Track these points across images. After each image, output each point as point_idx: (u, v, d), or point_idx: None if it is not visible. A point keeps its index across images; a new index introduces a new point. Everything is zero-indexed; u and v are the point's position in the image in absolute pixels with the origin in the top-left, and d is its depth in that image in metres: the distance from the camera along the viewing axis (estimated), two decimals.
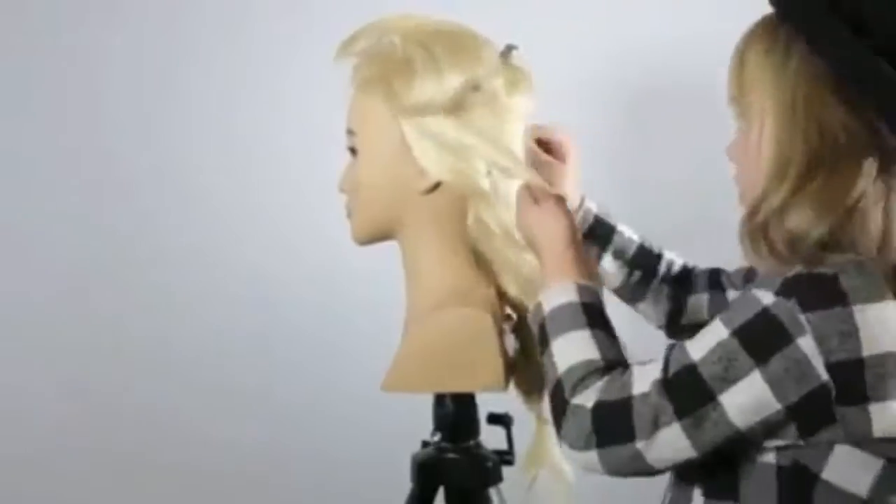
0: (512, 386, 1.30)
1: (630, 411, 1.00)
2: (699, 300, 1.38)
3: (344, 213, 1.33)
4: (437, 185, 1.24)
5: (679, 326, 1.39)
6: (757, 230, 1.03)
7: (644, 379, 1.01)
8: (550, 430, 1.28)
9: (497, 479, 1.33)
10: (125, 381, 2.11)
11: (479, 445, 1.33)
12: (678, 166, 1.93)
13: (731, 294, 1.35)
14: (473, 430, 1.33)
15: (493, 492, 1.33)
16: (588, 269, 1.16)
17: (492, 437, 1.36)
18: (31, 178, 2.10)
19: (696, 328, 1.18)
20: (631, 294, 1.40)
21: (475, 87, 1.21)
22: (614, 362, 1.05)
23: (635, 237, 1.40)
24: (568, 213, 1.18)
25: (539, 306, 1.12)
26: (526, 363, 1.29)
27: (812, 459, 1.00)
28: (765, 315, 0.97)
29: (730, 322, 0.99)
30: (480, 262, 1.28)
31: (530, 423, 1.36)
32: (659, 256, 1.40)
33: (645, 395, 1.00)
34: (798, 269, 0.99)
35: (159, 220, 2.09)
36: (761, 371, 0.97)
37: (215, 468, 2.10)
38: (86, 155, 2.09)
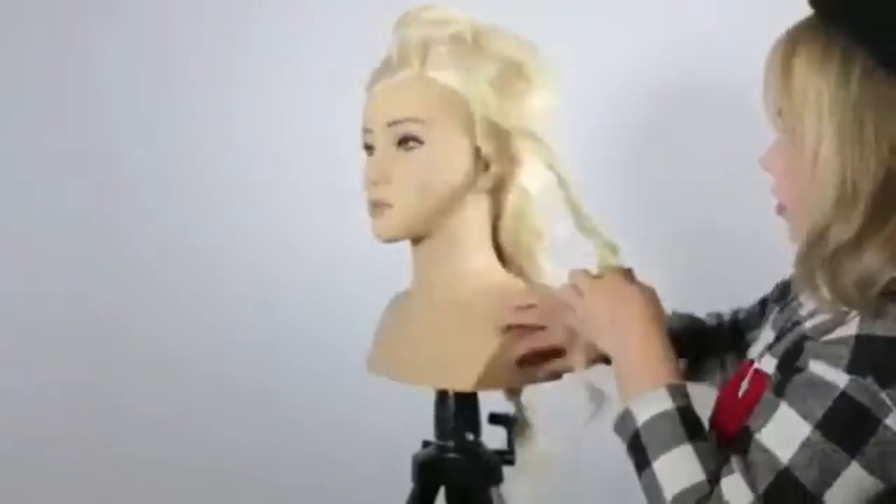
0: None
1: None
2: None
3: (366, 207, 1.26)
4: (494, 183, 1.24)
5: None
6: (820, 263, 0.96)
7: (739, 498, 0.95)
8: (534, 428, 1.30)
9: (498, 479, 1.33)
10: (125, 381, 2.11)
11: (480, 445, 1.33)
12: (701, 167, 1.92)
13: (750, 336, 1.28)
14: (474, 429, 1.33)
15: (493, 492, 1.33)
16: (672, 351, 1.07)
17: (492, 438, 1.36)
18: (32, 179, 2.10)
19: None
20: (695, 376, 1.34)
21: (550, 93, 1.23)
22: (716, 474, 0.98)
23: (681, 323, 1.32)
24: (647, 288, 1.11)
25: (629, 415, 1.03)
26: None
27: None
28: (845, 401, 0.92)
29: (809, 415, 0.94)
30: (509, 258, 1.30)
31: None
32: (706, 332, 1.32)
33: None
34: (855, 324, 0.94)
35: (160, 221, 2.10)
36: (858, 461, 0.93)
37: (215, 468, 2.10)
38: (86, 155, 2.09)
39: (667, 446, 1.00)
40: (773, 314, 1.15)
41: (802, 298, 1.07)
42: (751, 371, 1.07)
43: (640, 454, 1.02)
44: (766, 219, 1.08)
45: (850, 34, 0.94)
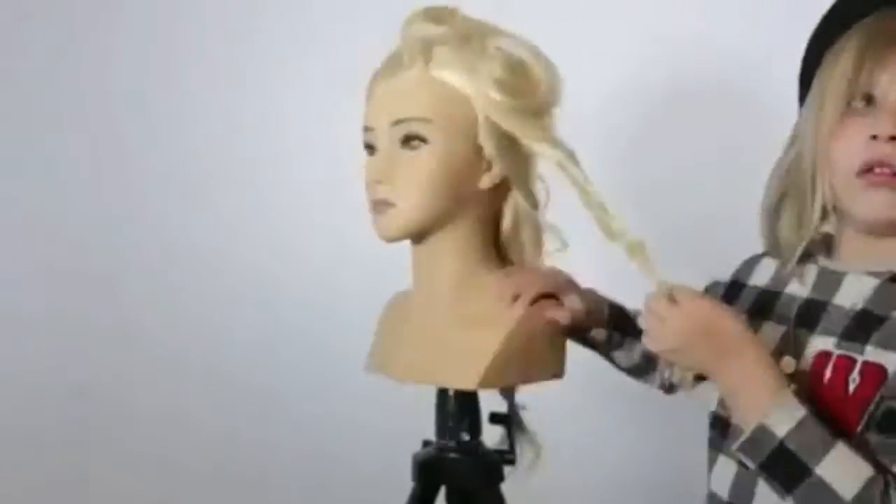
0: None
1: None
2: None
3: (368, 207, 1.26)
4: (496, 183, 1.24)
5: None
6: None
7: None
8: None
9: (498, 478, 1.33)
10: (125, 381, 2.11)
11: (480, 445, 1.33)
12: (698, 167, 1.92)
13: None
14: (474, 429, 1.33)
15: (493, 491, 1.33)
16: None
17: (491, 438, 1.37)
18: (34, 179, 2.11)
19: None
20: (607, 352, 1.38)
21: (553, 93, 1.23)
22: (878, 465, 1.00)
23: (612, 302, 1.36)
24: (721, 302, 1.11)
25: (764, 430, 1.02)
26: None
27: None
28: None
29: None
30: (510, 257, 1.30)
31: (532, 424, 1.36)
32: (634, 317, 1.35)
33: None
34: None
35: (161, 221, 2.10)
36: None
37: (215, 467, 2.10)
38: (89, 155, 2.10)
39: (825, 449, 1.00)
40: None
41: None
42: (859, 365, 1.05)
43: (790, 466, 1.00)
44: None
45: None
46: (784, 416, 1.01)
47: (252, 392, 2.08)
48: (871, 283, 1.08)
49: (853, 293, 1.09)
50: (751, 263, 1.25)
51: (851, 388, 1.05)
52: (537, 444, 1.35)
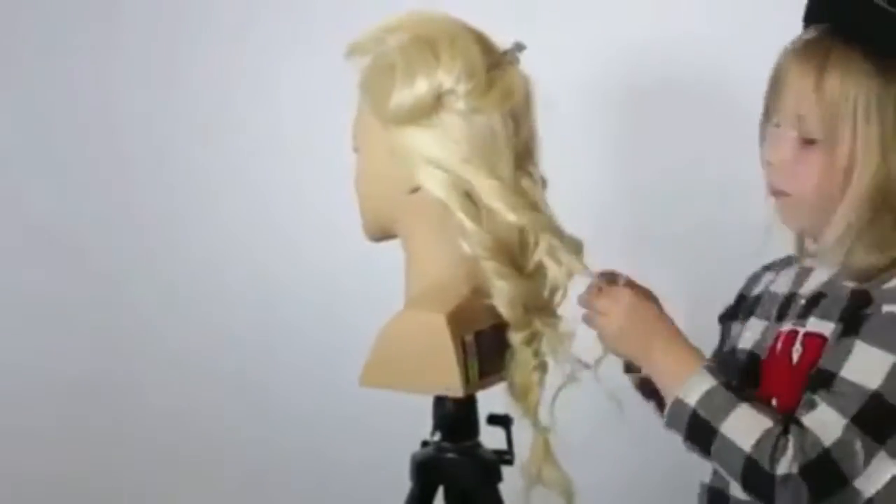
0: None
1: (836, 462, 1.05)
2: None
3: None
4: (419, 188, 1.24)
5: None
6: (856, 241, 1.10)
7: (828, 426, 1.05)
8: (548, 443, 1.30)
9: (496, 478, 1.33)
10: (124, 381, 2.11)
11: (478, 445, 1.33)
12: (679, 169, 1.92)
13: None
14: (473, 429, 1.33)
15: (492, 491, 1.33)
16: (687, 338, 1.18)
17: (492, 438, 1.36)
18: (36, 179, 2.11)
19: None
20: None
21: (439, 96, 1.21)
22: (780, 419, 1.09)
23: None
24: (641, 291, 1.20)
25: (680, 402, 1.13)
26: (516, 369, 1.29)
27: None
28: None
29: (892, 347, 1.05)
30: (465, 260, 1.27)
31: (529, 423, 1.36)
32: None
33: (840, 440, 1.04)
34: None
35: (160, 221, 2.10)
36: None
37: (215, 467, 2.10)
38: (90, 156, 2.10)
39: (727, 409, 1.09)
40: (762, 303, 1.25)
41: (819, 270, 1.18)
42: (800, 337, 1.15)
43: (702, 430, 1.10)
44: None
45: (884, 54, 1.04)
46: (695, 388, 1.11)
47: (251, 391, 2.08)
48: (829, 272, 1.16)
49: (814, 283, 1.18)
50: (754, 278, 1.33)
51: (795, 357, 1.14)
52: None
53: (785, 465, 1.05)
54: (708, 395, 1.11)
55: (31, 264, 2.12)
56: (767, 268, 1.32)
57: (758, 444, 1.06)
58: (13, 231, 2.12)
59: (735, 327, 1.30)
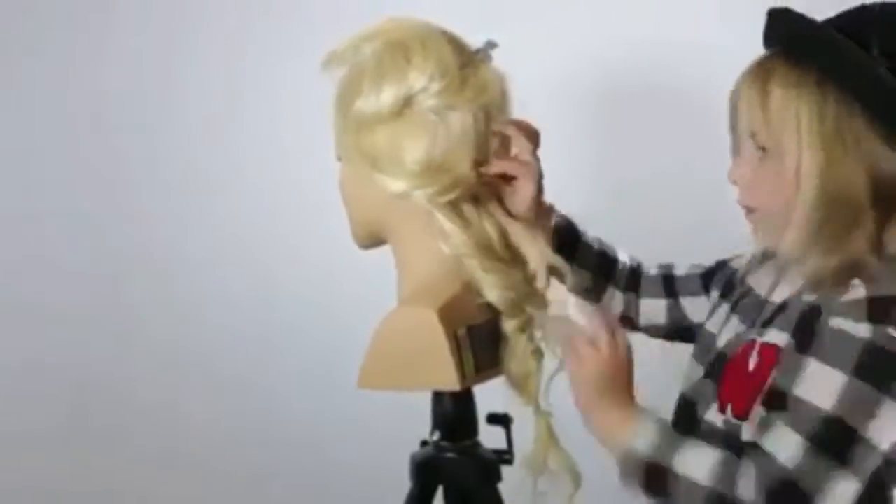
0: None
1: (796, 483, 1.05)
2: (656, 305, 1.43)
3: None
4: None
5: (632, 327, 1.44)
6: (811, 251, 1.11)
7: (784, 447, 1.06)
8: (552, 427, 1.30)
9: (496, 478, 1.33)
10: (127, 380, 2.12)
11: (477, 445, 1.33)
12: (658, 169, 1.93)
13: (687, 301, 1.41)
14: (472, 429, 1.33)
15: (491, 491, 1.33)
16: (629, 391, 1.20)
17: (492, 438, 1.37)
18: (37, 179, 2.11)
19: (649, 329, 1.40)
20: (584, 296, 1.39)
21: (407, 102, 1.22)
22: (731, 448, 1.11)
23: (594, 244, 1.42)
24: (622, 342, 1.20)
25: (632, 452, 1.14)
26: (513, 357, 1.29)
27: None
28: (874, 349, 1.06)
29: (843, 364, 1.06)
30: (453, 258, 1.28)
31: (529, 423, 1.36)
32: (615, 261, 1.43)
33: (799, 463, 1.05)
34: (863, 289, 1.08)
35: (161, 221, 2.10)
36: (893, 398, 1.05)
37: (215, 467, 2.10)
38: (89, 156, 2.10)
39: (675, 448, 1.12)
40: (726, 306, 1.29)
41: (785, 280, 1.20)
42: (757, 346, 1.16)
43: (659, 473, 1.12)
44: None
45: (821, 70, 1.09)
46: (641, 437, 1.14)
47: (251, 391, 2.09)
48: (797, 284, 1.17)
49: (783, 293, 1.20)
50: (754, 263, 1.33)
51: (752, 365, 1.16)
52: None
53: (745, 490, 1.06)
54: (654, 439, 1.13)
55: (31, 264, 2.12)
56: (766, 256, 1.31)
57: (714, 475, 1.08)
58: (13, 231, 2.12)
59: (719, 315, 1.31)
